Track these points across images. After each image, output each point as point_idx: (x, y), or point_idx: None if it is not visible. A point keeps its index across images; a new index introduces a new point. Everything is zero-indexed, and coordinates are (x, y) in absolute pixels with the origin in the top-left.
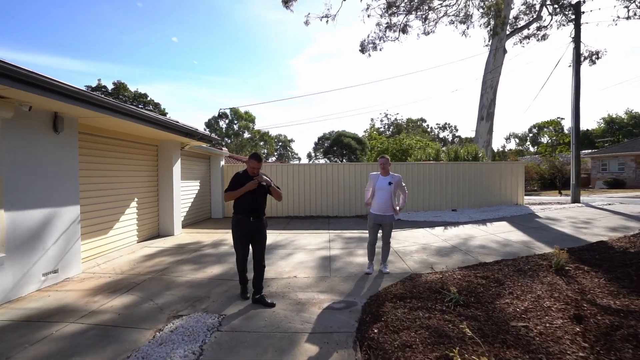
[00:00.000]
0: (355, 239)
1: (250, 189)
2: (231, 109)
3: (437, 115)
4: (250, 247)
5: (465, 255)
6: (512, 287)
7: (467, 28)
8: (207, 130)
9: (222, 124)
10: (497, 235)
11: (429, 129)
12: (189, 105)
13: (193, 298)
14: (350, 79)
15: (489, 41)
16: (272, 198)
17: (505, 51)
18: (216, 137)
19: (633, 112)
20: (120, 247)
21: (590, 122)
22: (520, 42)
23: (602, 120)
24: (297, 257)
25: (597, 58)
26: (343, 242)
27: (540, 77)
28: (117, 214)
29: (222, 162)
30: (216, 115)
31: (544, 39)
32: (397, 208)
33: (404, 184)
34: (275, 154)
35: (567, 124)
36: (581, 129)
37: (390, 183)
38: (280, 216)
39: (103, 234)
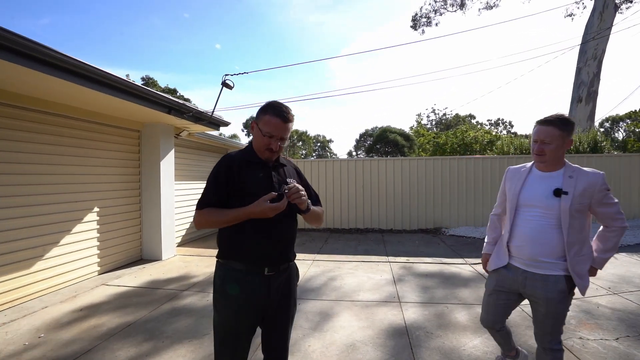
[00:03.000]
0: (436, 276)
1: (265, 213)
2: None
3: (486, 111)
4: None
5: None
6: None
7: None
8: (245, 131)
9: None
10: None
11: (478, 125)
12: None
13: None
14: (392, 75)
15: None
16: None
17: (617, 7)
18: (224, 120)
19: None
20: (61, 285)
21: None
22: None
23: None
24: (343, 323)
25: None
26: (418, 285)
27: None
28: (58, 232)
29: None
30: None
31: None
32: (594, 264)
33: (611, 196)
34: (314, 154)
35: None
36: None
37: (562, 193)
38: (314, 229)
39: (23, 268)
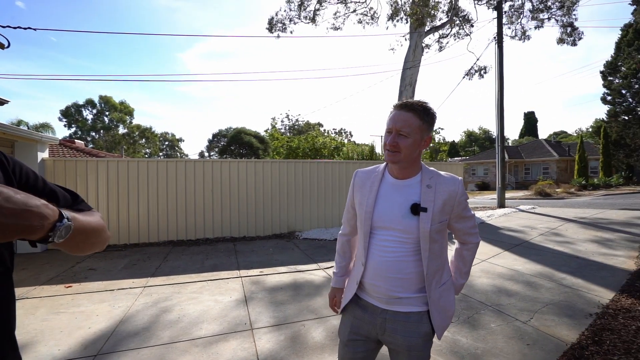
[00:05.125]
0: (289, 287)
1: None
2: (101, 97)
3: (333, 120)
4: None
5: (495, 313)
6: None
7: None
8: (64, 121)
9: (88, 114)
10: (490, 262)
11: (325, 133)
12: (44, 91)
13: None
14: (249, 75)
15: (408, 36)
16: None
17: (423, 48)
18: None
19: (484, 128)
20: None
21: (455, 134)
22: (439, 41)
23: (464, 133)
24: None
25: (485, 72)
26: (272, 301)
27: (453, 80)
28: None
29: (44, 154)
30: (79, 103)
31: (461, 38)
32: (455, 284)
33: (469, 207)
34: (161, 154)
35: (444, 134)
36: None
37: (420, 210)
38: (153, 242)
39: None
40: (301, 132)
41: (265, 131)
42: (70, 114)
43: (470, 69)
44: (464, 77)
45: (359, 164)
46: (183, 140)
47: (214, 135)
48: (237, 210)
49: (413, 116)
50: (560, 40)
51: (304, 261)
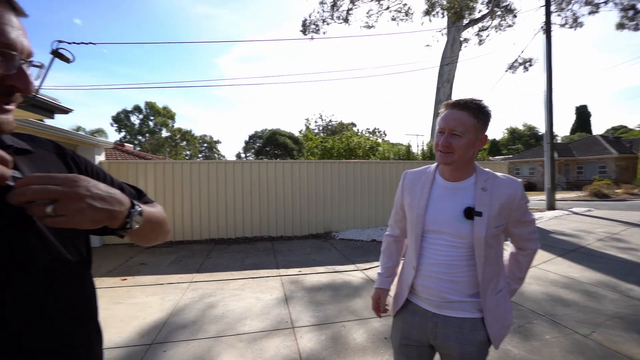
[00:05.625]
0: (328, 287)
1: None
2: (147, 103)
3: (366, 120)
4: None
5: (549, 324)
6: None
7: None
8: (115, 126)
9: (135, 119)
10: (542, 268)
11: (359, 133)
12: (97, 99)
13: None
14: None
15: (445, 31)
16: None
17: (462, 42)
18: (60, 104)
19: (529, 124)
20: None
21: (497, 132)
22: (478, 34)
23: (506, 131)
24: None
25: (530, 65)
26: (311, 301)
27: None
28: None
29: (101, 157)
30: (128, 109)
31: (503, 30)
32: (511, 288)
33: (529, 211)
34: (200, 156)
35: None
36: (489, 138)
37: (474, 214)
38: (196, 240)
39: None
40: (334, 133)
41: (299, 132)
42: (120, 120)
43: (514, 61)
44: (506, 70)
45: (395, 164)
46: (220, 142)
47: (250, 137)
48: (275, 210)
49: (467, 114)
50: (620, 26)
51: (341, 262)
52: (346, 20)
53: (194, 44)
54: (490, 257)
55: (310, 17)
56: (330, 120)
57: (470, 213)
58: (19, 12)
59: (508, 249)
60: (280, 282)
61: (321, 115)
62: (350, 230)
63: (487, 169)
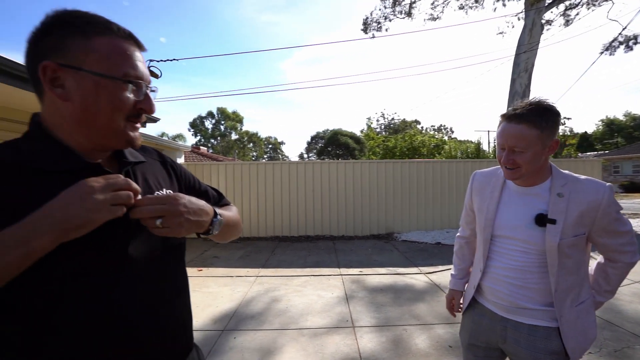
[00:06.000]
0: (389, 289)
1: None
2: (218, 109)
3: (431, 117)
4: None
5: None
6: None
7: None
8: (192, 131)
9: (208, 124)
10: None
11: (423, 130)
12: (176, 107)
13: None
14: (345, 79)
15: (522, 14)
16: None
17: (543, 26)
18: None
19: (632, 113)
20: None
21: (588, 124)
22: (564, 14)
23: (600, 123)
24: None
25: (635, 43)
26: (372, 302)
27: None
28: None
29: (181, 160)
30: (202, 115)
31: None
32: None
33: (623, 220)
34: (265, 157)
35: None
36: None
37: (547, 221)
38: (262, 237)
39: None
40: (397, 131)
41: (361, 131)
42: (196, 125)
43: (613, 40)
44: (601, 52)
45: (462, 163)
46: (284, 143)
47: (312, 137)
48: (336, 209)
49: (526, 127)
50: None
51: (403, 264)
52: (409, 14)
53: (259, 51)
54: (566, 267)
55: (371, 14)
56: (393, 119)
57: (542, 220)
58: (141, 48)
59: (597, 257)
60: (341, 281)
61: (383, 114)
62: (413, 232)
63: (566, 172)
